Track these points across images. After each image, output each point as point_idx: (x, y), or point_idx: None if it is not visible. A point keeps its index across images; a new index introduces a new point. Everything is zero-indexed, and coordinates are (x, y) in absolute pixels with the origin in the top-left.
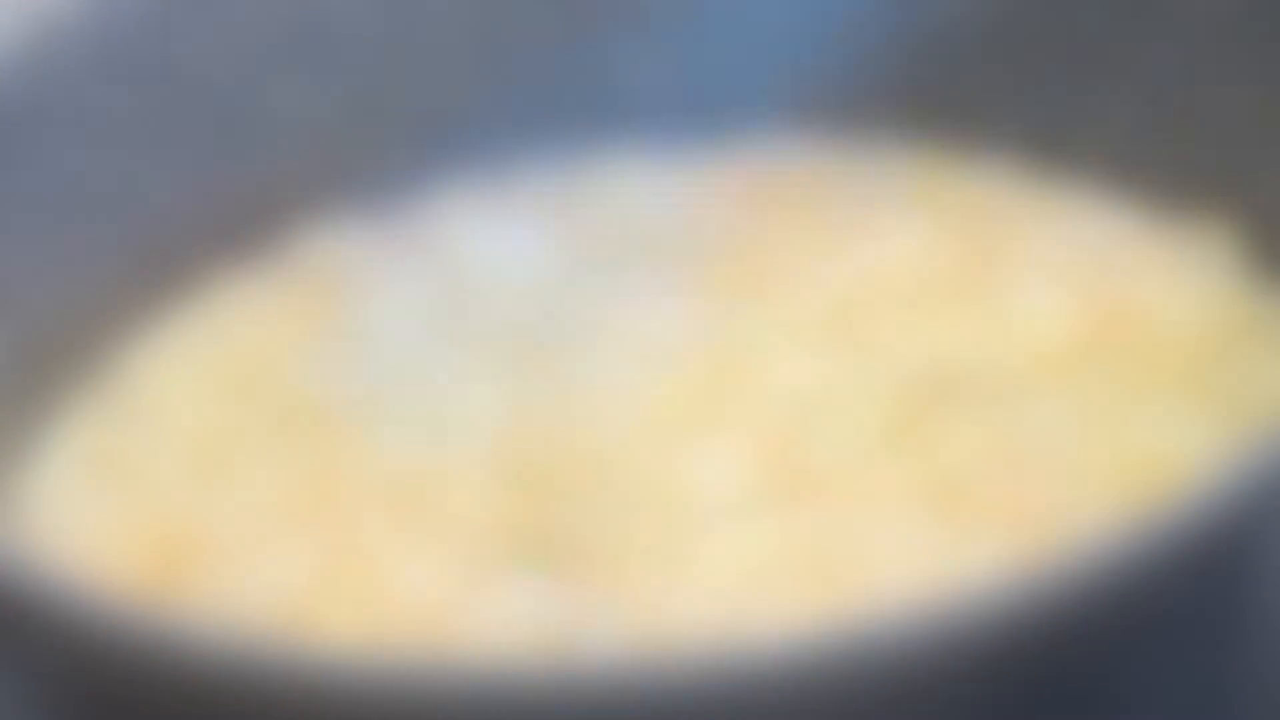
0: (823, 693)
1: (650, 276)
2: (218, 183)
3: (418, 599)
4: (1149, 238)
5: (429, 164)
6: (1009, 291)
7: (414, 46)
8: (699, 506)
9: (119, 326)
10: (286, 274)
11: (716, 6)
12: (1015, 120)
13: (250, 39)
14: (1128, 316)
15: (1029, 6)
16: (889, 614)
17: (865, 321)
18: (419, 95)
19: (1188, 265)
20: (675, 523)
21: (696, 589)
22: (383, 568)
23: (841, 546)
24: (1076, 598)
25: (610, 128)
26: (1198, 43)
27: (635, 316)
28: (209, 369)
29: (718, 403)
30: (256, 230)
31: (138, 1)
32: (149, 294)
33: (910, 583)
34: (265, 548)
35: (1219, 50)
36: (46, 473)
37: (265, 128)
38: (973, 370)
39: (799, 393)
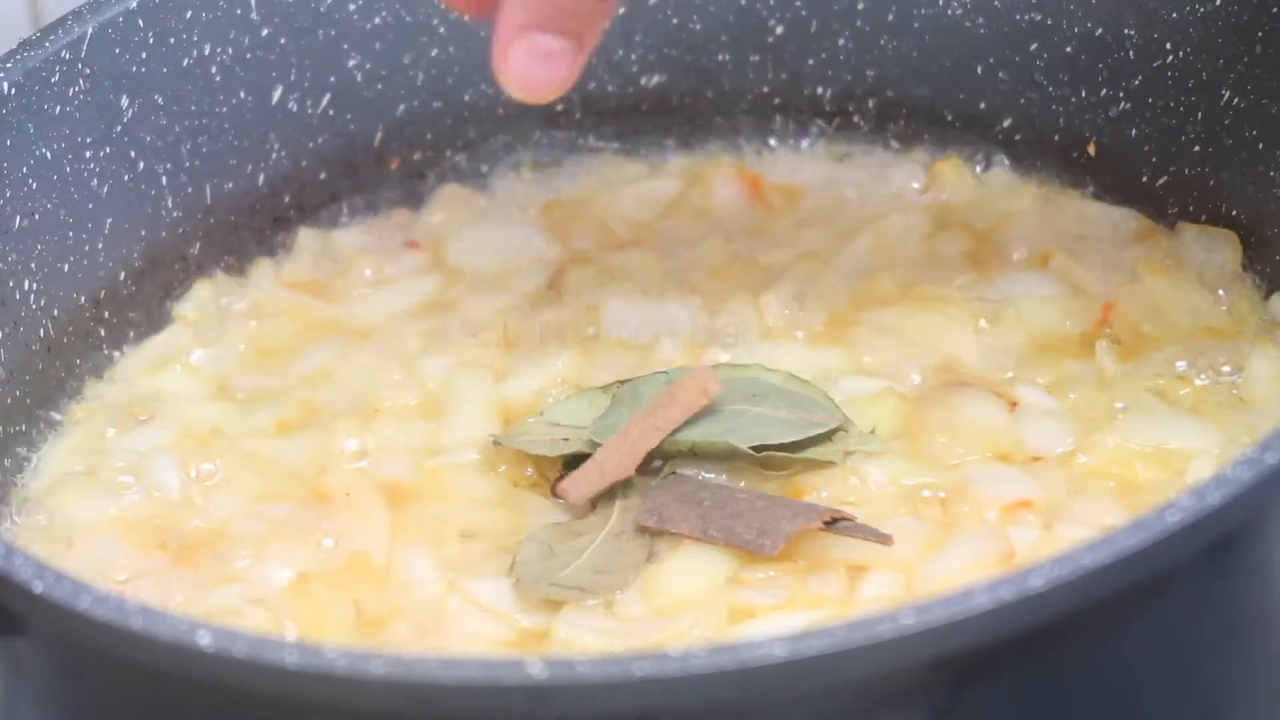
0: (821, 689)
1: (648, 275)
2: (217, 183)
3: (415, 598)
4: (1149, 238)
5: (429, 164)
6: (1009, 290)
7: (416, 46)
8: None
9: (118, 327)
10: (287, 274)
11: (716, 7)
12: (1015, 120)
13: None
14: (1128, 316)
15: (1030, 8)
16: (887, 612)
17: (866, 319)
18: (420, 94)
19: (1188, 265)
20: None
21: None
22: (381, 567)
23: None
24: (1078, 593)
25: (611, 127)
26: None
27: (633, 314)
28: (208, 369)
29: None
30: (257, 230)
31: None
32: (148, 295)
33: (907, 579)
34: (264, 548)
35: (1219, 54)
36: (47, 473)
37: (265, 128)
38: (974, 369)
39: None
